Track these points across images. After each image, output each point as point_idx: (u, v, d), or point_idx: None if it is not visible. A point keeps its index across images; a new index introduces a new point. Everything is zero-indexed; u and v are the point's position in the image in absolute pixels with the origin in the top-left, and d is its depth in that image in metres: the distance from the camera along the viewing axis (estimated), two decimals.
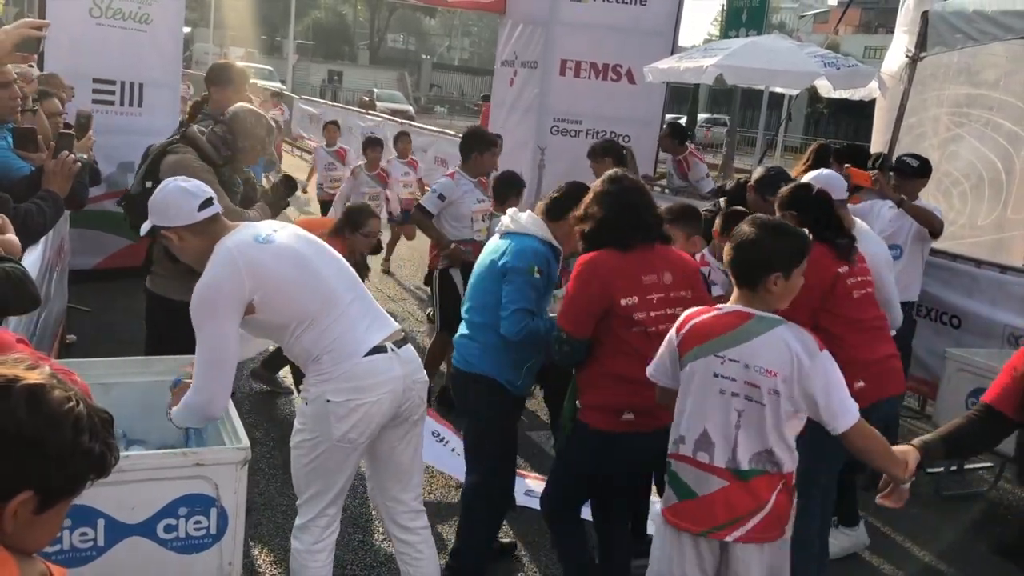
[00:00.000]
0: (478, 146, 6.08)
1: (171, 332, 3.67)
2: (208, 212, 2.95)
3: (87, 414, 1.41)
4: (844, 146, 6.67)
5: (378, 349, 2.95)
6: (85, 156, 4.34)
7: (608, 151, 6.58)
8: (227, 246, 2.90)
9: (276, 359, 5.85)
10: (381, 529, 3.66)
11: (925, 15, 6.56)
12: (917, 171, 5.80)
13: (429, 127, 17.55)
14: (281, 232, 3.04)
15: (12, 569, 1.34)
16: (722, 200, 5.62)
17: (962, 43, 6.56)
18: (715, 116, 36.12)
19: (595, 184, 3.47)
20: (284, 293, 2.92)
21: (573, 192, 3.73)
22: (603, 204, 3.32)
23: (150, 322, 4.17)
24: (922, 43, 6.59)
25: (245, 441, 2.92)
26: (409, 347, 3.08)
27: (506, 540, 4.26)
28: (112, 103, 7.58)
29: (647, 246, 3.30)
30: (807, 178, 4.17)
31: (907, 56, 6.83)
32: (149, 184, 3.87)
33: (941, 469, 5.45)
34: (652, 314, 3.22)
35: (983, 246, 8.23)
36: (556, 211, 3.72)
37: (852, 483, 4.50)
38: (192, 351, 2.94)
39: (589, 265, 3.28)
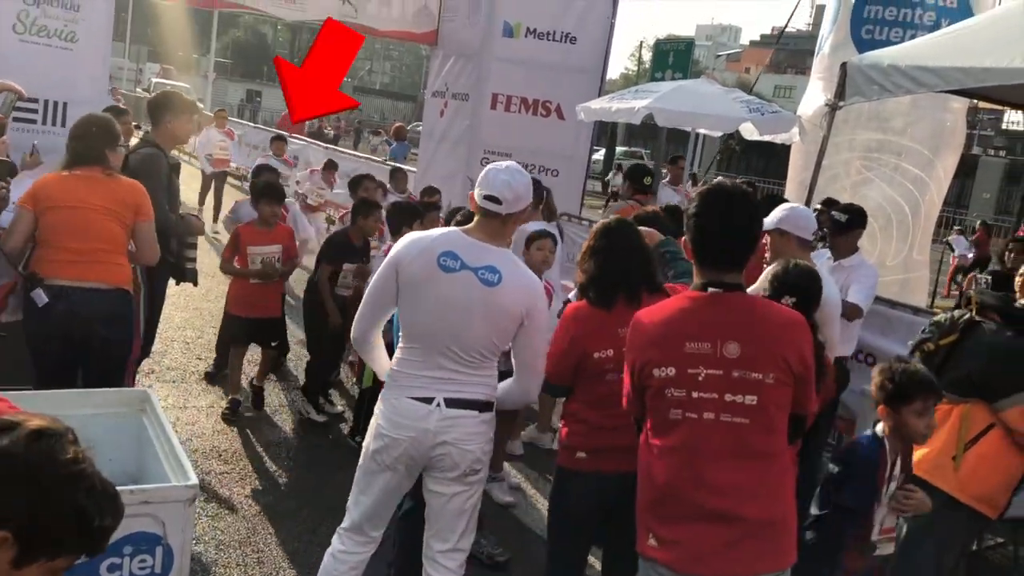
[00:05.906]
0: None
1: None
2: None
3: (93, 476, 1.40)
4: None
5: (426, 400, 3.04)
6: None
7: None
8: None
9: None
10: None
11: (844, 67, 6.88)
12: (845, 225, 5.84)
13: (355, 152, 17.46)
14: None
15: None
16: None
17: (878, 94, 6.87)
18: (632, 149, 36.78)
19: (588, 238, 3.48)
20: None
21: None
22: (594, 261, 3.36)
23: None
24: (840, 93, 6.90)
25: (193, 478, 2.88)
26: (458, 413, 3.05)
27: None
28: (34, 121, 7.34)
29: (630, 303, 3.19)
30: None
31: (827, 105, 7.14)
32: None
33: None
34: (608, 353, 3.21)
35: (891, 285, 8.61)
36: None
37: None
38: None
39: (565, 316, 3.36)
